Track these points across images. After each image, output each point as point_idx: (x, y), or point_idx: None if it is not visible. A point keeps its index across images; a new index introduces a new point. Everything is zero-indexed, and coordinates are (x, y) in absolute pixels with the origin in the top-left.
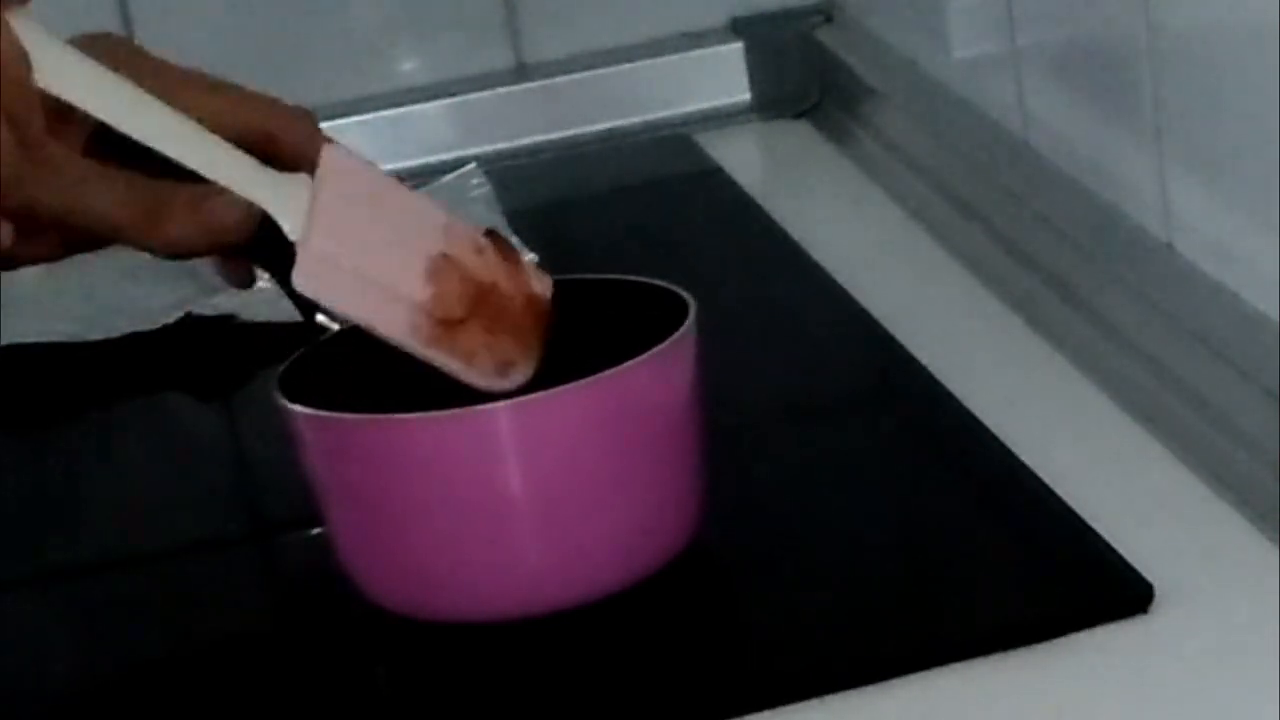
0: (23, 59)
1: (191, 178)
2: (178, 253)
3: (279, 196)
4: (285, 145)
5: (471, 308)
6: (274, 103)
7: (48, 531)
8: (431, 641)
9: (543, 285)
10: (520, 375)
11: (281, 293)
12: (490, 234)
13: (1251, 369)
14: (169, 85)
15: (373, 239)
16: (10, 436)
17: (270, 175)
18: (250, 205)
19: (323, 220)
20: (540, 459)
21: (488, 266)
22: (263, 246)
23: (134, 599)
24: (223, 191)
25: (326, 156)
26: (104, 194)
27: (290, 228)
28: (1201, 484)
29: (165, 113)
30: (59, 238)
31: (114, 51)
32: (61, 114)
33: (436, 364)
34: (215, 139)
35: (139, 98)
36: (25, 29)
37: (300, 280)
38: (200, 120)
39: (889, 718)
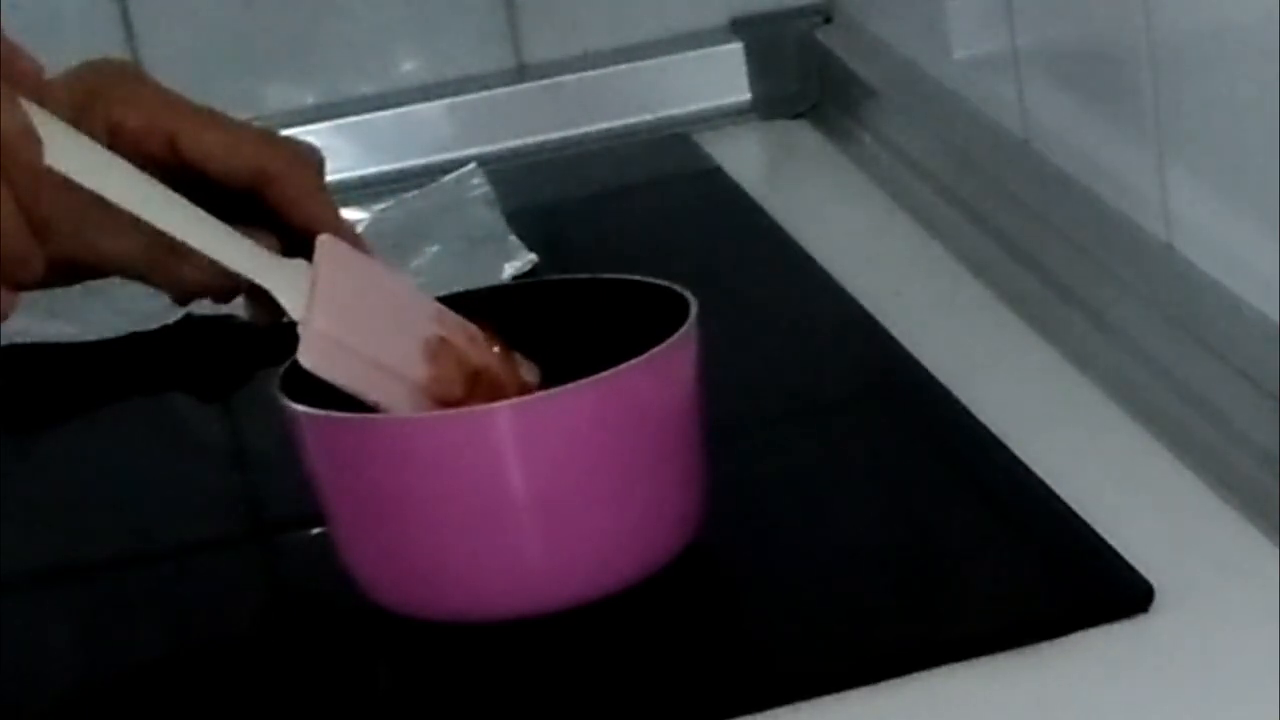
0: (35, 142)
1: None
2: (192, 293)
3: (280, 278)
4: (281, 187)
5: (469, 389)
6: (276, 142)
7: (48, 531)
8: (432, 641)
9: (532, 375)
10: None
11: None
12: (480, 325)
13: (1251, 369)
14: (171, 117)
15: (371, 321)
16: (10, 436)
17: (270, 258)
18: (269, 245)
19: (323, 302)
20: (541, 459)
21: (480, 353)
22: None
23: (134, 599)
24: (243, 232)
25: (322, 245)
26: (118, 239)
27: (293, 307)
28: (1201, 484)
29: (168, 196)
30: (72, 272)
31: (117, 81)
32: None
33: None
34: (217, 222)
35: (142, 181)
36: (34, 112)
37: (305, 357)
38: (201, 155)
39: (889, 718)
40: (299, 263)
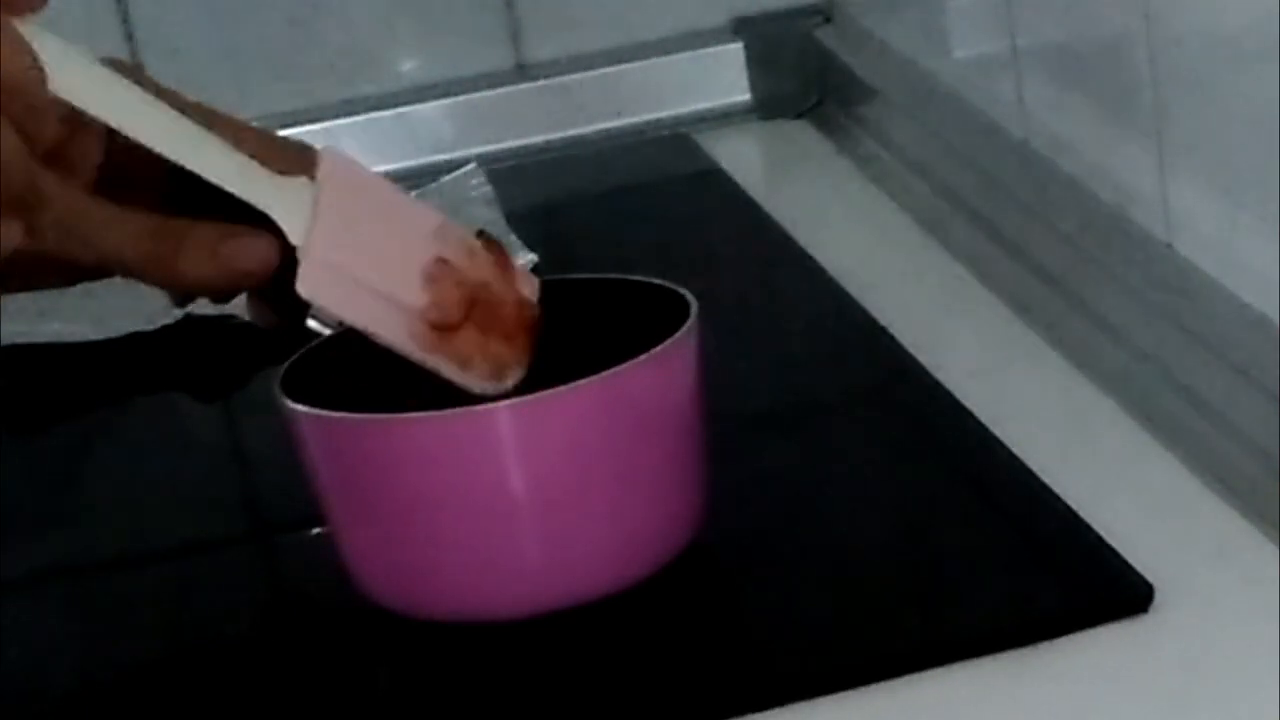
0: (36, 66)
1: (207, 216)
2: (194, 292)
3: (281, 201)
4: None
5: (466, 311)
6: (273, 140)
7: (48, 531)
8: (432, 641)
9: (530, 289)
10: (513, 377)
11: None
12: (481, 235)
13: (1251, 369)
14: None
15: (371, 245)
16: (10, 436)
17: (272, 179)
18: (269, 246)
19: (324, 226)
20: (541, 459)
21: (479, 268)
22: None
23: (134, 599)
24: (240, 231)
25: (325, 161)
26: (118, 234)
27: (293, 233)
28: (1201, 484)
29: (172, 117)
30: (71, 272)
31: None
32: (68, 155)
33: (433, 368)
34: (221, 144)
35: (146, 101)
36: (34, 35)
37: (303, 286)
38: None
39: (889, 718)
40: (300, 182)
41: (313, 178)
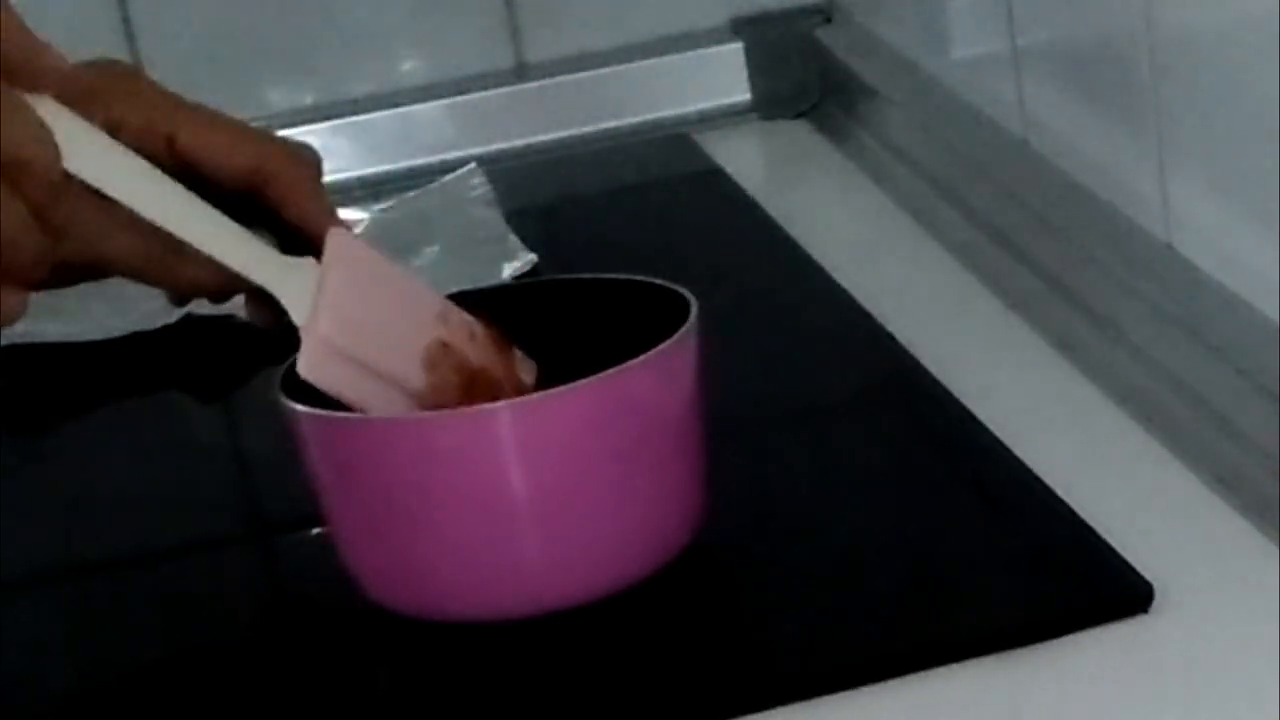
0: (52, 148)
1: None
2: (196, 294)
3: (286, 281)
4: (278, 187)
5: (464, 394)
6: (274, 141)
7: (48, 531)
8: (432, 641)
9: (529, 373)
10: None
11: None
12: (484, 321)
13: (1251, 369)
14: (171, 117)
15: (374, 327)
16: (10, 436)
17: (278, 260)
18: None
19: (328, 307)
20: (541, 459)
21: (479, 351)
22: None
23: (134, 599)
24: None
25: (333, 241)
26: (118, 236)
27: (296, 314)
28: (1201, 484)
29: (185, 197)
30: (71, 274)
31: (117, 81)
32: None
33: None
34: (229, 223)
35: (158, 179)
36: (51, 113)
37: (304, 367)
38: (199, 155)
39: (889, 718)
40: (307, 263)
41: (314, 251)
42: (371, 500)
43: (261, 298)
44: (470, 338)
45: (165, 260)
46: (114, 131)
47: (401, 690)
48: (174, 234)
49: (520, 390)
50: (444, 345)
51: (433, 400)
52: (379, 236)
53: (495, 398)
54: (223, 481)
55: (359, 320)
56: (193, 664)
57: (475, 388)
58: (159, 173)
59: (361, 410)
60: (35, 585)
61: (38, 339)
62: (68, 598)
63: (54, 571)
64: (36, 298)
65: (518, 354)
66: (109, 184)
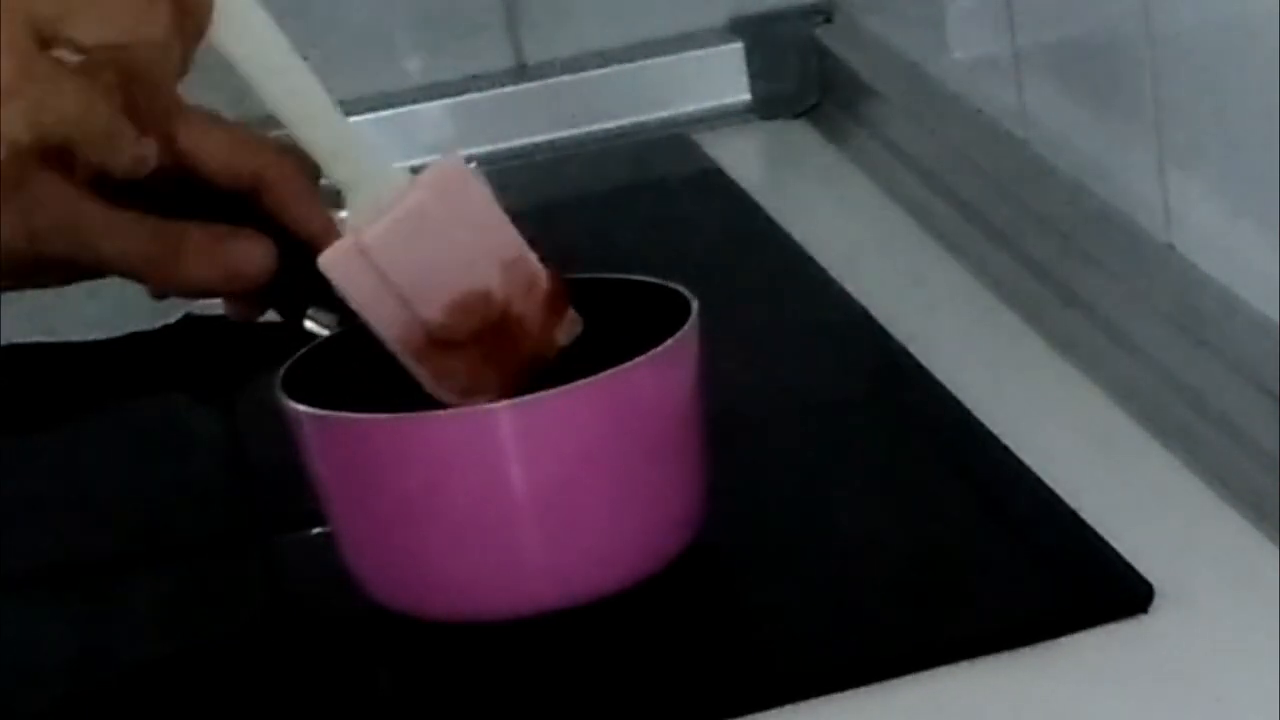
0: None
1: (201, 217)
2: (192, 293)
3: (362, 187)
4: (275, 189)
5: (477, 336)
6: (272, 145)
7: (48, 531)
8: (433, 641)
9: (567, 333)
10: (482, 400)
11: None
12: (553, 277)
13: (1251, 369)
14: (168, 115)
15: (426, 256)
16: (10, 436)
17: (371, 164)
18: (266, 249)
19: (389, 225)
20: (542, 458)
21: (525, 302)
22: (274, 289)
23: (134, 599)
24: (239, 235)
25: (435, 168)
26: (116, 236)
27: (354, 216)
28: (1201, 484)
29: (300, 76)
30: (68, 272)
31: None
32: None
33: (407, 367)
34: (339, 116)
35: (288, 57)
36: None
37: (326, 259)
38: (198, 155)
39: (889, 718)
40: (398, 177)
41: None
42: (371, 500)
43: (241, 295)
44: (528, 287)
45: (164, 261)
46: None
47: (402, 690)
48: (272, 107)
49: (544, 347)
50: (485, 295)
51: (441, 334)
52: None
53: (512, 345)
54: (223, 481)
55: (411, 246)
56: (193, 664)
57: (499, 330)
58: (287, 45)
59: (359, 311)
60: (35, 585)
61: (38, 339)
62: (68, 598)
63: (54, 571)
64: (37, 296)
65: (569, 319)
66: (236, 43)
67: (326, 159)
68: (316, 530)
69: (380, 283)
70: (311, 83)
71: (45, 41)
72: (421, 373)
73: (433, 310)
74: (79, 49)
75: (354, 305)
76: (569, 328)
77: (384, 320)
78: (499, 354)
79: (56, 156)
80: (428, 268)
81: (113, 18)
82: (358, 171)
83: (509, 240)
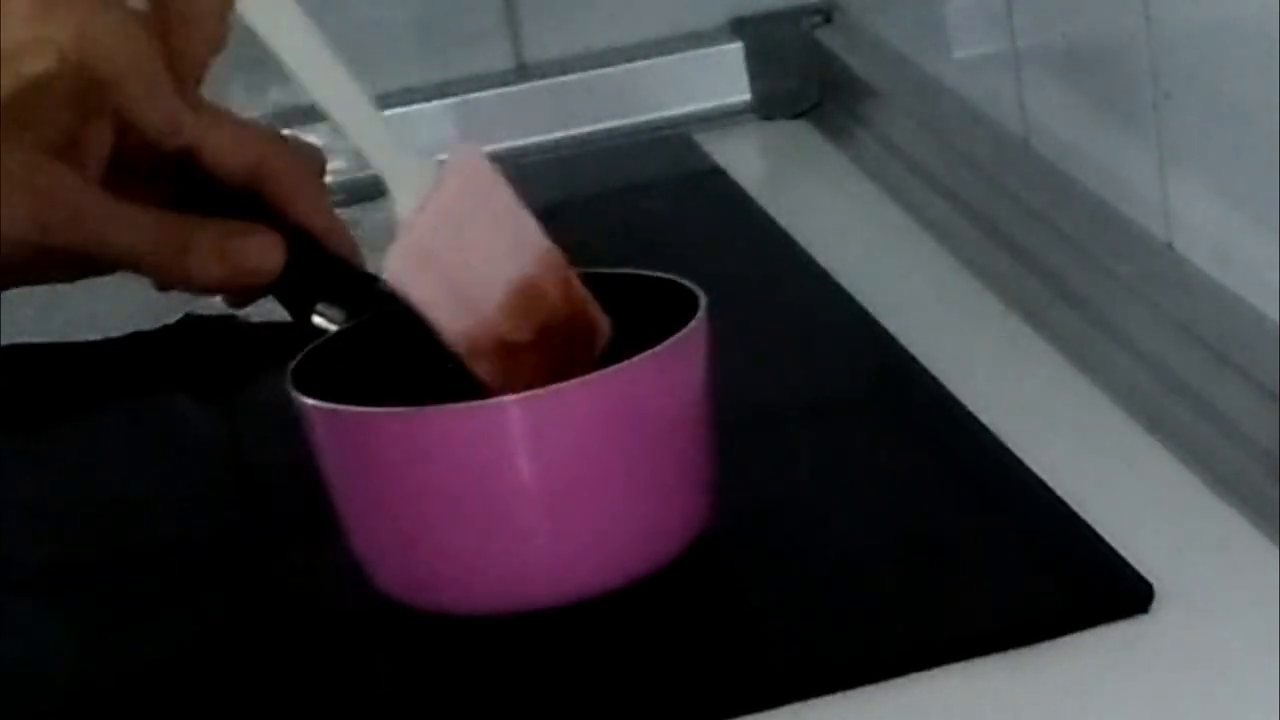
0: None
1: (213, 212)
2: (201, 289)
3: (401, 175)
4: (280, 185)
5: (536, 336)
6: (277, 140)
7: (48, 531)
8: (439, 634)
9: (604, 335)
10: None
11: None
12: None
13: (1251, 369)
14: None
15: (471, 248)
16: (10, 436)
17: (403, 153)
18: (276, 245)
19: (434, 212)
20: (550, 453)
21: (568, 301)
22: (280, 283)
23: (134, 599)
24: (248, 230)
25: (455, 156)
26: (126, 231)
27: (402, 207)
28: (1201, 484)
29: (336, 69)
30: (77, 267)
31: None
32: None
33: (462, 361)
34: (367, 105)
35: (314, 46)
36: None
37: (391, 265)
38: (203, 150)
39: (889, 718)
40: (429, 163)
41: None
42: (381, 494)
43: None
44: (565, 285)
45: (173, 256)
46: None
47: (407, 683)
48: (312, 96)
49: (590, 343)
50: (533, 285)
51: (505, 334)
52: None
53: (561, 347)
54: (223, 481)
55: (458, 234)
56: (193, 663)
57: (548, 333)
58: (315, 32)
59: (431, 321)
60: (35, 585)
61: (38, 339)
62: (68, 598)
63: (54, 571)
64: (37, 296)
65: (601, 315)
66: (273, 33)
67: (368, 149)
68: (317, 530)
69: (439, 279)
70: (350, 76)
71: None
72: (480, 369)
73: (491, 304)
74: None
75: (425, 310)
76: (603, 329)
77: (454, 327)
78: (552, 356)
79: (67, 148)
80: (477, 259)
81: None
82: (398, 161)
83: (536, 232)
